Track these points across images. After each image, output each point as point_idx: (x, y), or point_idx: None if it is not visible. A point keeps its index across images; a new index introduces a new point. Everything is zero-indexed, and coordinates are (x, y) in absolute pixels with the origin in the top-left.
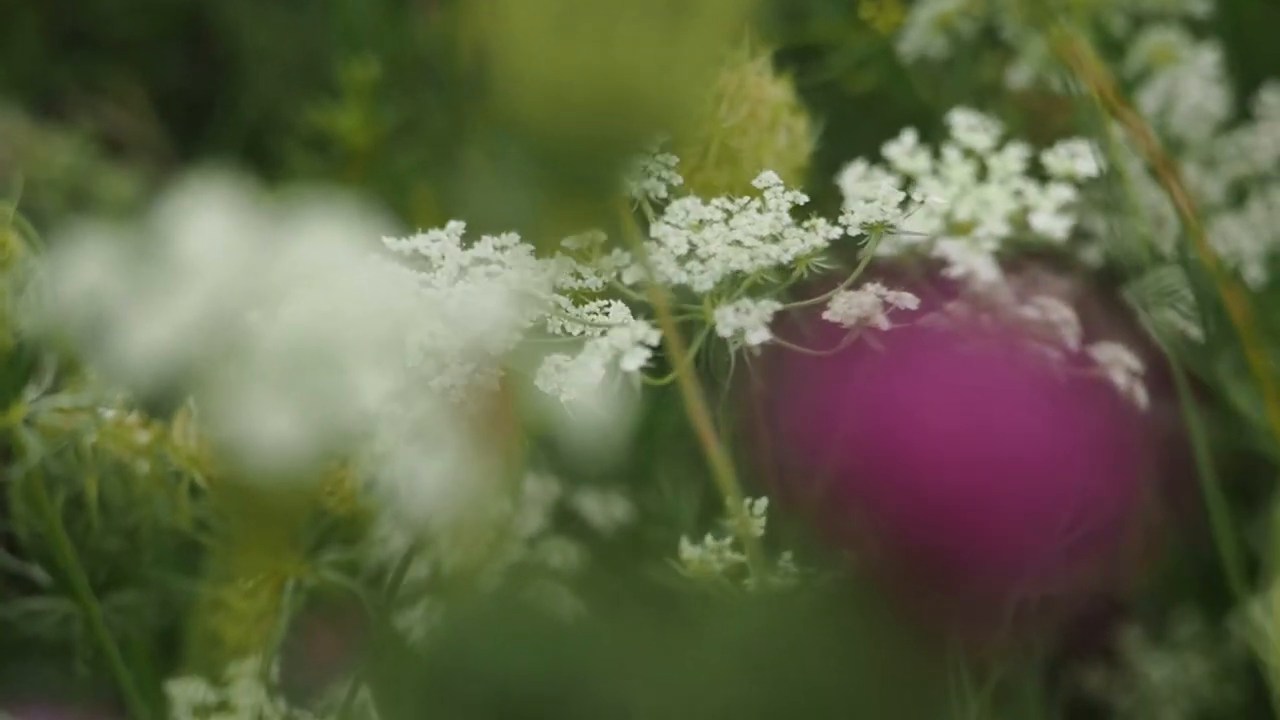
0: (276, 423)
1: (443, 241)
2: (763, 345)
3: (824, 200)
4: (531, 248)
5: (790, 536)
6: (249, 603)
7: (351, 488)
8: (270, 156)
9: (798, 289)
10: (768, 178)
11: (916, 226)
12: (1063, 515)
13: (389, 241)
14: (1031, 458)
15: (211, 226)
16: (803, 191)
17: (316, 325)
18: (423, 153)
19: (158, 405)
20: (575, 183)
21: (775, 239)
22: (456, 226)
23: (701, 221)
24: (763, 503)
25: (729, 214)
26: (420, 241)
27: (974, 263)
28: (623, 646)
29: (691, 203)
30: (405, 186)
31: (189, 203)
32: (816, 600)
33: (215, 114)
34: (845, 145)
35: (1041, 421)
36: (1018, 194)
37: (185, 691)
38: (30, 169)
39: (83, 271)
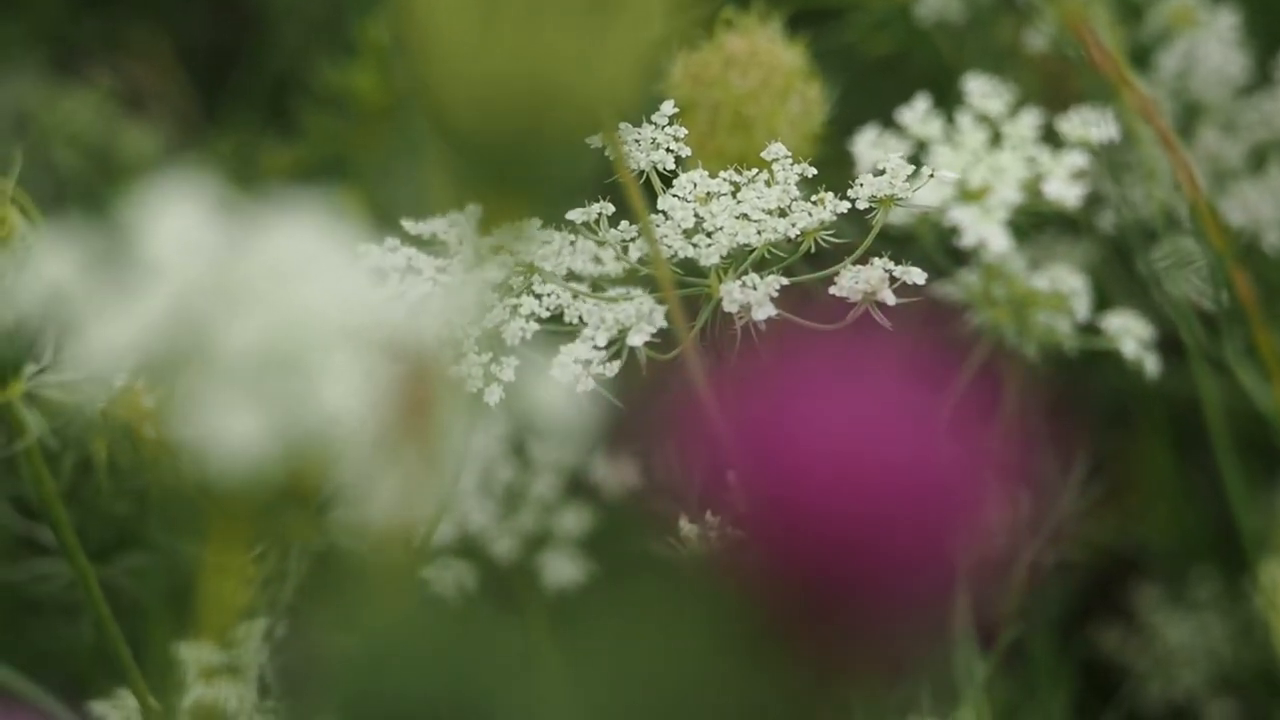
0: (241, 424)
1: (459, 226)
2: (769, 320)
3: (842, 165)
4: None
5: None
6: (254, 568)
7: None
8: (292, 114)
9: (808, 262)
10: (776, 150)
11: (927, 197)
12: (955, 538)
13: (407, 224)
14: (921, 483)
15: (181, 225)
16: (821, 156)
17: (283, 326)
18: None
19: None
20: (501, 180)
21: (783, 212)
22: (474, 210)
23: (709, 194)
24: None
25: (736, 187)
26: (438, 225)
27: (986, 230)
28: (523, 663)
29: (699, 175)
30: (419, 148)
31: (161, 200)
32: (713, 613)
33: (239, 70)
34: (866, 107)
35: (933, 448)
36: (1031, 160)
37: (192, 654)
38: (49, 127)
39: (50, 270)
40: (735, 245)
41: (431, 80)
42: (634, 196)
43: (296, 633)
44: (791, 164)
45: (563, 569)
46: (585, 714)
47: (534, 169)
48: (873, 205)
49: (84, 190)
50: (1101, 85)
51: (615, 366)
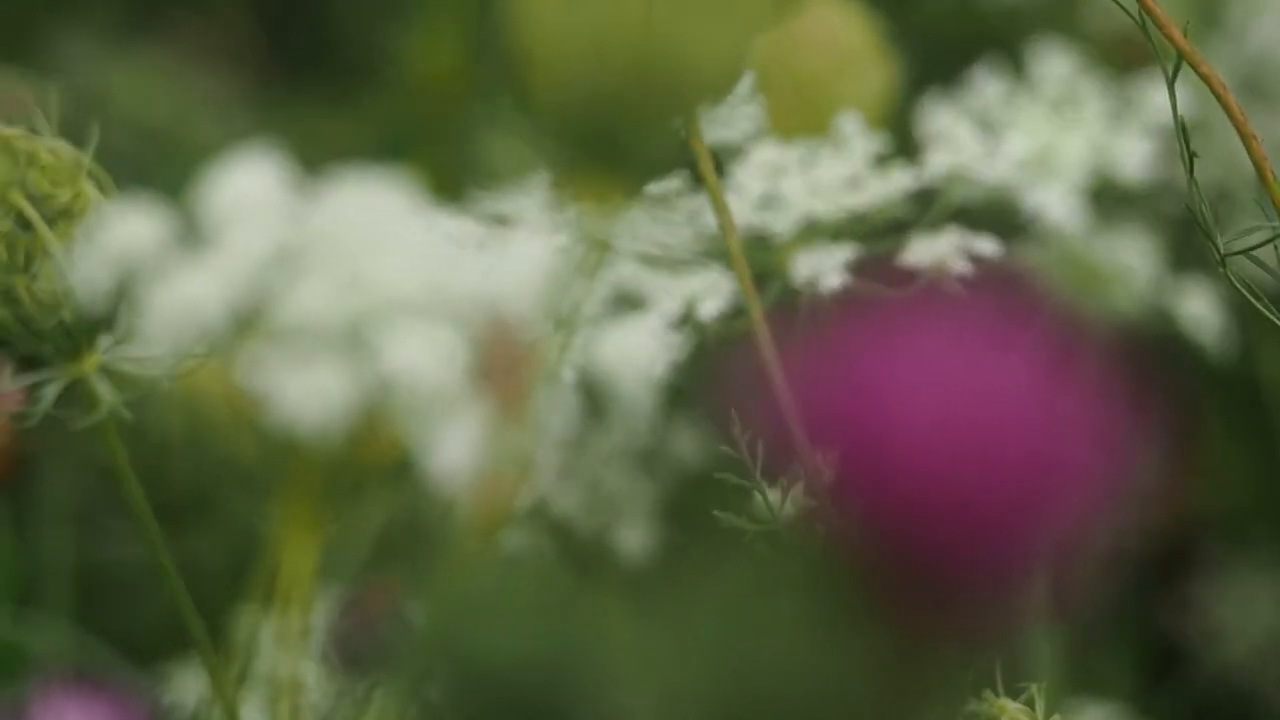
0: (312, 386)
1: (528, 199)
2: (839, 292)
3: (911, 142)
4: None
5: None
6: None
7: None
8: (362, 77)
9: (877, 235)
10: (847, 123)
11: (993, 171)
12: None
13: (481, 195)
14: (1020, 448)
15: (250, 186)
16: (891, 131)
17: (356, 285)
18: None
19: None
20: (596, 158)
21: (852, 186)
22: (542, 180)
23: (779, 168)
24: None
25: (807, 161)
26: (506, 204)
27: (1051, 204)
28: (616, 627)
29: (769, 149)
30: (489, 113)
31: (230, 166)
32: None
33: (308, 30)
34: (936, 84)
35: (1034, 406)
36: (1096, 134)
37: (254, 624)
38: (115, 103)
39: (122, 238)
40: (804, 218)
41: (528, 52)
42: (707, 170)
43: (366, 600)
44: (862, 137)
45: (636, 538)
46: (671, 683)
47: (632, 147)
48: (939, 180)
49: (148, 170)
50: (1167, 59)
51: (686, 338)
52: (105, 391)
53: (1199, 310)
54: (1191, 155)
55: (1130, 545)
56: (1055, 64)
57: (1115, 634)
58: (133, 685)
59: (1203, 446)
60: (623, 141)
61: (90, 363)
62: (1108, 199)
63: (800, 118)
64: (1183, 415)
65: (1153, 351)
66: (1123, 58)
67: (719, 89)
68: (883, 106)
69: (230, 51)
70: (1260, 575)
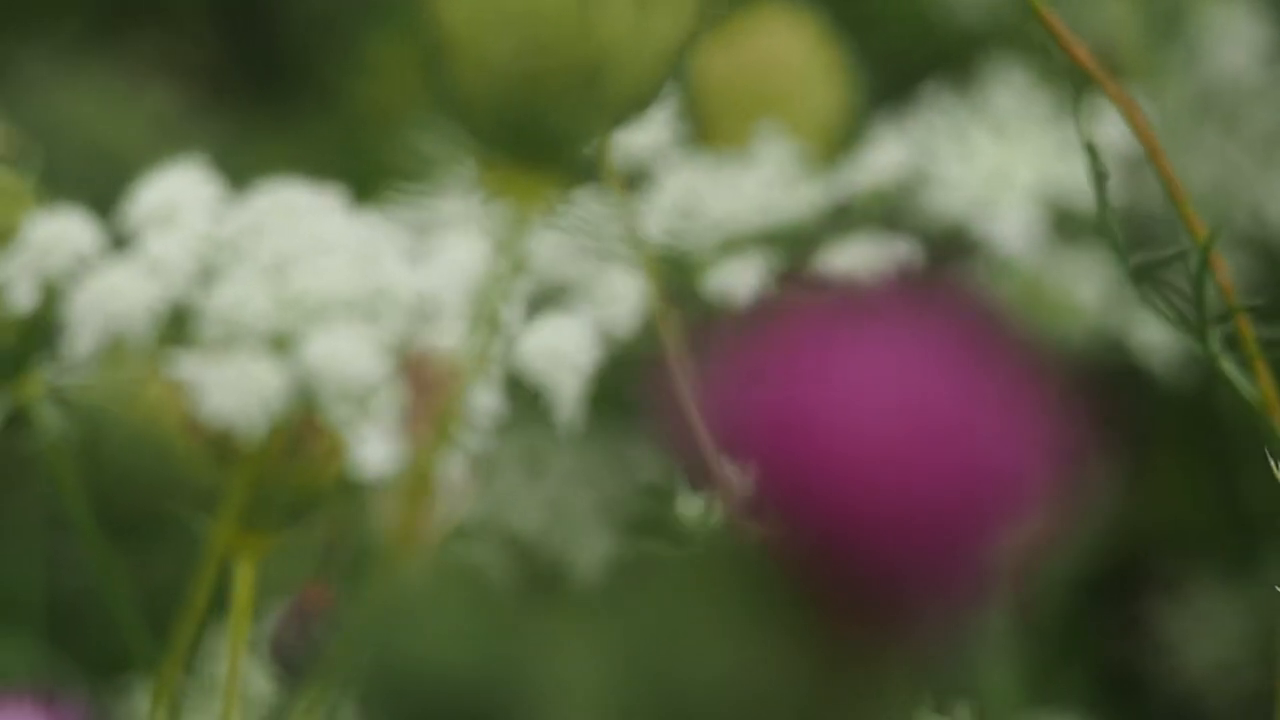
0: (238, 385)
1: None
2: (758, 303)
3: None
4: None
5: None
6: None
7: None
8: (321, 89)
9: (797, 250)
10: (768, 135)
11: (943, 195)
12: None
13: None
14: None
15: (177, 196)
16: (835, 142)
17: (280, 287)
18: None
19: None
20: (520, 151)
21: (773, 199)
22: (483, 181)
23: (699, 180)
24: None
25: (727, 172)
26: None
27: (1003, 231)
28: (553, 636)
29: (689, 160)
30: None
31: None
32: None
33: (269, 44)
34: (889, 100)
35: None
36: (1050, 161)
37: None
38: (69, 131)
39: (49, 240)
40: (723, 230)
41: (449, 33)
42: (614, 179)
43: (303, 604)
44: (784, 150)
45: (586, 551)
46: (607, 693)
47: (560, 137)
48: (869, 195)
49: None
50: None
51: (597, 349)
52: (51, 415)
53: (1152, 338)
54: (1102, 175)
55: (1084, 564)
56: (1010, 85)
57: (1069, 652)
58: (92, 699)
59: (1158, 467)
60: (550, 131)
61: (34, 388)
62: (1064, 223)
63: (743, 132)
64: (1138, 436)
65: (1108, 376)
66: (1084, 79)
67: (652, 80)
68: (836, 123)
69: (189, 67)
70: (1213, 596)
